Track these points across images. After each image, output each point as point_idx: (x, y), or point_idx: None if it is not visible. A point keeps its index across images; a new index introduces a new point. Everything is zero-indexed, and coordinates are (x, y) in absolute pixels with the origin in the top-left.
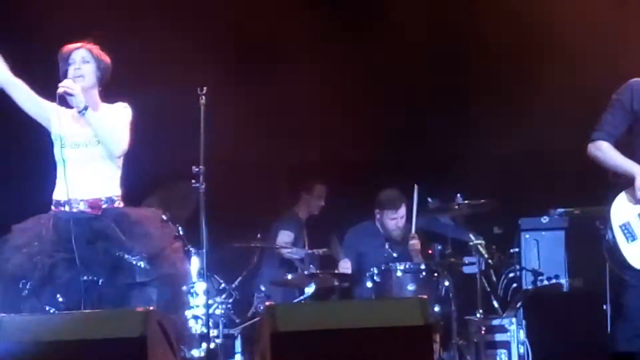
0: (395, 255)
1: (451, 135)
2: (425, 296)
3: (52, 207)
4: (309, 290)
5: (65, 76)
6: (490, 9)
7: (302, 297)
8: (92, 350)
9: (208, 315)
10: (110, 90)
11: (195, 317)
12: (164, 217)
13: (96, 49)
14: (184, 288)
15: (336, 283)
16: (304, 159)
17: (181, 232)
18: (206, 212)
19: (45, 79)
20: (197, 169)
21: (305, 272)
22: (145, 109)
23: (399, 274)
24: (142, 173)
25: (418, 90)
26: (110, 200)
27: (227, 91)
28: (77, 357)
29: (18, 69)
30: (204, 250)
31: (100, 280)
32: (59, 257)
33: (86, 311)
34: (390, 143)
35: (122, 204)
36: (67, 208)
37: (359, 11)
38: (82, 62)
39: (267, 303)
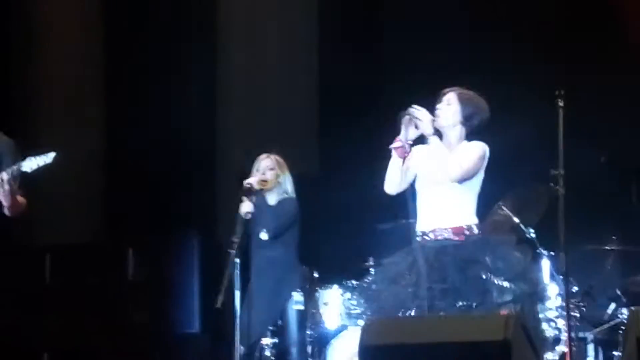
0: None
1: None
2: None
3: (418, 238)
4: None
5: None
6: None
7: None
8: (456, 352)
9: (568, 318)
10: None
11: (548, 320)
12: (516, 220)
13: (464, 92)
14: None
15: None
16: None
17: (533, 235)
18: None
19: None
20: (555, 172)
21: None
22: (503, 110)
23: None
24: (497, 175)
25: None
26: (470, 228)
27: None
28: None
29: None
30: (562, 253)
31: (474, 304)
32: (436, 288)
33: (451, 315)
34: None
35: (479, 232)
36: (432, 236)
37: None
38: (447, 104)
39: (632, 307)
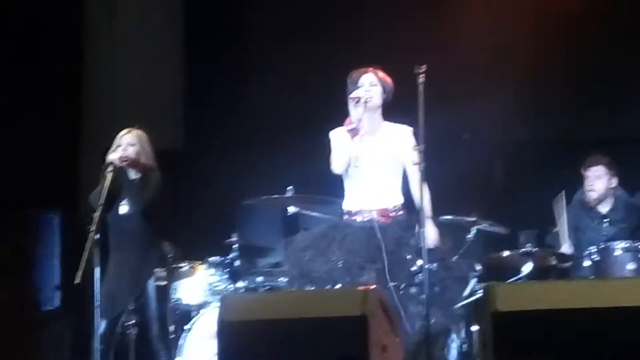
0: (613, 232)
1: None
2: None
3: (345, 216)
4: (526, 269)
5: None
6: None
7: (518, 277)
8: (313, 328)
9: (426, 294)
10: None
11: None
12: None
13: (381, 72)
14: None
15: (555, 262)
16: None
17: None
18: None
19: None
20: (417, 147)
21: (522, 250)
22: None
23: (618, 252)
24: None
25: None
26: (397, 208)
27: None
28: (299, 335)
29: None
30: (423, 230)
31: (402, 285)
32: (371, 267)
33: (308, 290)
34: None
35: (404, 212)
36: (359, 218)
37: None
38: (370, 85)
39: (487, 283)
